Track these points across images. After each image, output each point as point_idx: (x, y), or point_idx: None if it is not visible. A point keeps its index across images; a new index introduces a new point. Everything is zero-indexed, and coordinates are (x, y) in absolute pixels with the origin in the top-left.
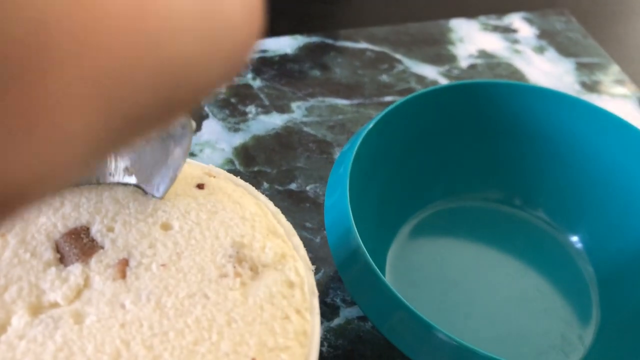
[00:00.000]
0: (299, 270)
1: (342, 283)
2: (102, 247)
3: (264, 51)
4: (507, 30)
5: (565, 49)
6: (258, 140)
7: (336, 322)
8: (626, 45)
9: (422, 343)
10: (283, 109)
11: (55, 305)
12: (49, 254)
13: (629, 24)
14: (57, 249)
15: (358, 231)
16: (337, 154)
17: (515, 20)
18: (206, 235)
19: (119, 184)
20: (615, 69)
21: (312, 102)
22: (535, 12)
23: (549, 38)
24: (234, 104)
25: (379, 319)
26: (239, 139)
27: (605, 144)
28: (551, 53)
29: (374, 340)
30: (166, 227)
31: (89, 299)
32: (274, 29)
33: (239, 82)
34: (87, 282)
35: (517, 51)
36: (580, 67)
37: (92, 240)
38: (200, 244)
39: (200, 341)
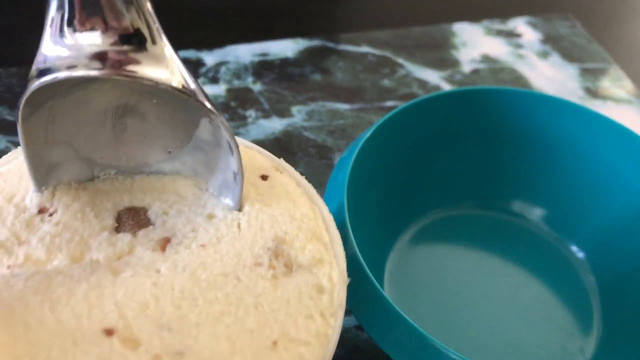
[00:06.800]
0: (332, 278)
1: None
2: (153, 225)
3: (265, 54)
4: (510, 35)
5: (569, 54)
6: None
7: None
8: (629, 46)
9: (420, 356)
10: (283, 113)
11: (95, 262)
12: (109, 220)
13: (632, 24)
14: (117, 219)
15: (356, 239)
16: (337, 159)
17: (519, 24)
18: (252, 224)
19: (182, 176)
20: (619, 75)
21: (312, 106)
22: (539, 17)
23: (553, 43)
24: (234, 108)
25: (376, 331)
26: None
27: (608, 153)
28: (555, 58)
29: (372, 350)
30: (211, 216)
31: (127, 262)
32: (273, 28)
33: (239, 85)
34: (131, 251)
35: (520, 56)
36: (585, 72)
37: (148, 218)
38: (243, 232)
39: (226, 314)
